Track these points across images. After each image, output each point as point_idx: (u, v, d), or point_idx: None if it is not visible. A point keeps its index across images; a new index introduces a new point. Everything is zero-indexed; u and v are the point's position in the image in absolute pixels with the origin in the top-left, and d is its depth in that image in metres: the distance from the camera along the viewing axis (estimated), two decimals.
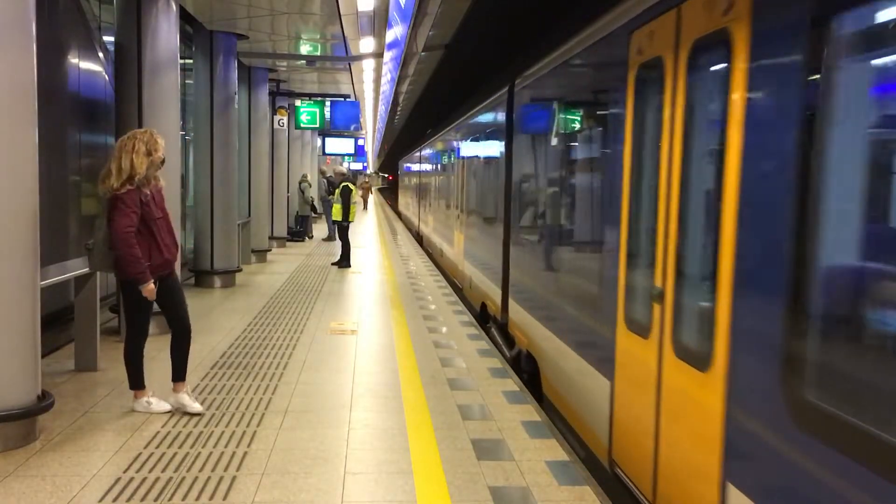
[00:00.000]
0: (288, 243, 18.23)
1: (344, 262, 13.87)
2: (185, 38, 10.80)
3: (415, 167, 27.14)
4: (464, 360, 7.04)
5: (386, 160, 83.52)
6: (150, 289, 5.06)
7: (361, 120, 25.29)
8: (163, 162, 5.30)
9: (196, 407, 5.25)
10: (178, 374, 5.35)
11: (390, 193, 69.95)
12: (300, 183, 20.18)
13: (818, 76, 2.61)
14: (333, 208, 14.48)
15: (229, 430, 4.96)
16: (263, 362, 6.74)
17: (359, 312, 9.39)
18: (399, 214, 39.71)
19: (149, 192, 5.18)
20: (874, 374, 2.37)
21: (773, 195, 2.85)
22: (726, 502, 3.07)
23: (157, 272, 5.19)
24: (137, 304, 5.27)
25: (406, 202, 35.01)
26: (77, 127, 7.85)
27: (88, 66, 8.18)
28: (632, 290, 4.30)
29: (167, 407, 5.30)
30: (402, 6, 11.04)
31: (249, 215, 14.43)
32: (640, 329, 4.07)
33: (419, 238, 22.85)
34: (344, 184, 14.34)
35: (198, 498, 3.93)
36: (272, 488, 4.06)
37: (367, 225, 27.40)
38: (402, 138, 50.71)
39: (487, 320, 9.51)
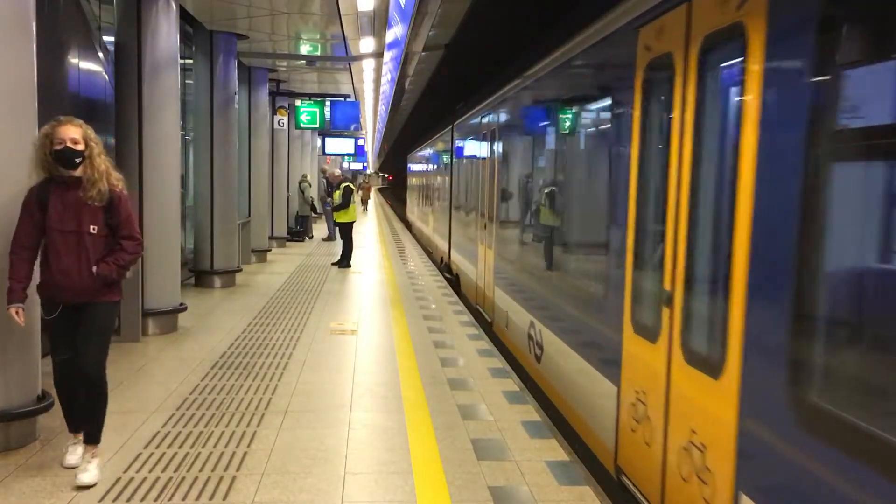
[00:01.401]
0: (288, 243, 18.23)
1: (344, 262, 13.86)
2: (185, 38, 10.79)
3: (437, 163, 18.45)
4: (464, 360, 7.04)
5: (387, 159, 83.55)
6: (10, 311, 4.10)
7: (361, 120, 25.26)
8: (59, 155, 4.10)
9: (82, 478, 4.05)
10: (86, 436, 4.26)
11: (391, 194, 69.90)
12: (300, 183, 20.18)
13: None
14: (343, 210, 14.30)
15: (229, 430, 4.96)
16: (263, 362, 6.74)
17: (359, 312, 9.39)
18: (408, 225, 29.17)
19: (49, 196, 4.14)
20: None
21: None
22: None
23: (55, 296, 4.20)
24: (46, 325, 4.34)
25: (422, 212, 23.62)
26: None
27: (88, 66, 8.16)
28: None
29: (73, 461, 4.25)
30: (402, 6, 11.05)
31: (249, 215, 14.43)
32: None
33: (448, 271, 14.44)
34: (345, 184, 14.35)
35: (198, 498, 3.94)
36: (272, 488, 4.06)
37: (368, 225, 27.39)
38: (403, 137, 50.64)
39: None
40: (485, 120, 10.31)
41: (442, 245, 16.17)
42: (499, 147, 9.20)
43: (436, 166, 18.85)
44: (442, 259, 15.92)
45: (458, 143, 13.68)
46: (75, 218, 4.14)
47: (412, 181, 30.16)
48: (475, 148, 11.36)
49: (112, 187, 4.21)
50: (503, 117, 8.97)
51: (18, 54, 4.54)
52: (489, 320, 9.43)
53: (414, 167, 28.49)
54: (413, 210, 28.55)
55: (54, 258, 4.14)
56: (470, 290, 11.45)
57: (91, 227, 4.16)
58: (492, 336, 8.46)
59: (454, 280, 13.36)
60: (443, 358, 7.06)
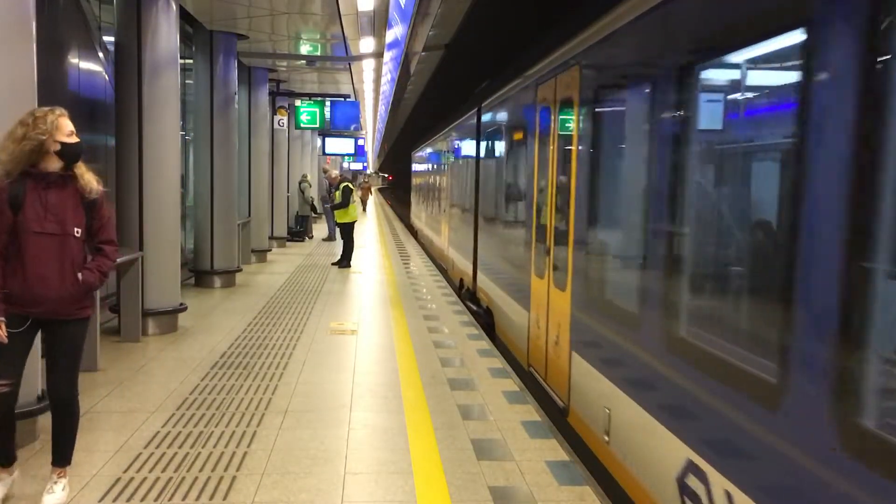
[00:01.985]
0: (288, 243, 18.24)
1: (344, 262, 13.87)
2: (185, 38, 10.80)
3: (452, 160, 14.12)
4: (464, 360, 7.03)
5: (387, 159, 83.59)
6: None
7: (361, 120, 25.25)
8: (64, 151, 3.76)
9: (47, 500, 3.80)
10: (55, 457, 3.93)
11: (391, 194, 69.87)
12: (300, 183, 20.20)
13: None
14: (344, 210, 14.31)
15: (229, 430, 4.96)
16: (263, 362, 6.74)
17: (359, 312, 9.39)
18: (414, 232, 24.74)
19: (25, 193, 3.67)
20: None
21: None
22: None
23: (24, 308, 3.69)
24: None
25: (431, 218, 18.74)
26: (77, 127, 7.80)
27: (88, 66, 8.17)
28: None
29: None
30: (402, 6, 11.07)
31: (249, 215, 14.44)
32: None
33: (474, 301, 10.43)
34: (344, 184, 14.38)
35: (198, 498, 3.93)
36: (272, 488, 4.06)
37: (368, 225, 27.40)
38: (404, 136, 50.64)
39: None
40: (552, 82, 6.17)
41: (462, 264, 11.90)
42: (587, 124, 5.28)
43: (451, 164, 14.44)
44: (462, 283, 11.79)
45: (490, 130, 9.74)
46: (58, 219, 3.72)
47: (418, 181, 25.03)
48: (525, 133, 7.35)
49: (97, 184, 3.89)
50: (611, 66, 4.96)
51: (19, 54, 4.54)
52: (561, 405, 5.67)
53: (420, 166, 23.88)
54: (419, 215, 23.39)
55: (31, 265, 3.67)
56: (516, 342, 7.54)
57: (76, 229, 3.77)
58: (565, 430, 5.36)
59: (484, 315, 9.44)
60: (443, 358, 7.06)
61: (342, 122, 17.78)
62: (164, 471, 4.27)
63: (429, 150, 20.09)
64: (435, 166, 18.25)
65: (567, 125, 5.87)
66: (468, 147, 11.68)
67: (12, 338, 3.66)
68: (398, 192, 52.55)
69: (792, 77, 2.87)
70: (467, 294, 11.04)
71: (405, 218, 32.01)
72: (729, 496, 2.99)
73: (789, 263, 2.70)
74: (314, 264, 14.47)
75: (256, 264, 14.25)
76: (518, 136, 7.82)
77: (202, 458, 4.46)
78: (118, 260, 4.27)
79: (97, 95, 8.39)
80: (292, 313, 9.16)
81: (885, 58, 2.28)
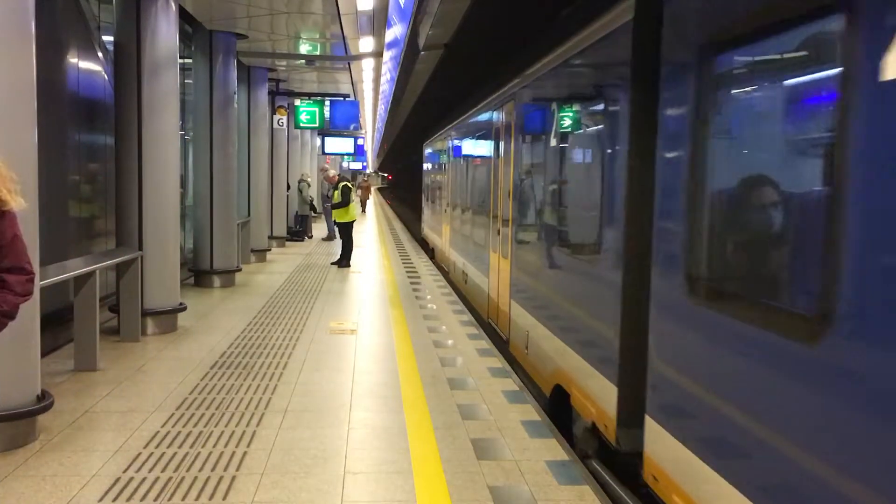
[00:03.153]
0: (287, 243, 18.24)
1: (343, 261, 13.87)
2: (185, 38, 10.80)
3: (552, 140, 6.10)
4: (464, 359, 7.04)
5: (387, 158, 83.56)
6: None
7: (361, 119, 25.25)
8: None
9: None
10: None
11: (389, 194, 69.82)
12: (299, 182, 20.20)
13: None
14: (343, 210, 14.33)
15: (229, 430, 4.96)
16: (263, 362, 6.74)
17: (358, 312, 9.39)
18: (429, 250, 18.24)
19: None
20: None
21: None
22: None
23: None
24: None
25: (464, 239, 11.92)
26: (77, 127, 7.84)
27: (88, 66, 8.17)
28: None
29: None
30: (402, 6, 11.06)
31: (249, 215, 14.44)
32: None
33: (605, 456, 4.68)
34: (343, 184, 14.38)
35: (198, 498, 3.93)
36: (272, 488, 4.07)
37: (367, 224, 27.39)
38: (404, 134, 50.51)
39: None
40: None
41: (561, 359, 5.60)
42: None
43: (517, 152, 7.62)
44: (573, 407, 5.21)
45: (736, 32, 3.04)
46: None
47: (437, 179, 17.55)
48: None
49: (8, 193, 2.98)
50: None
51: (18, 54, 4.54)
52: None
53: (439, 162, 16.88)
54: (439, 227, 16.44)
55: None
56: None
57: None
58: None
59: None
60: (442, 357, 7.06)
61: (342, 121, 17.78)
62: (163, 471, 4.27)
63: (463, 135, 12.58)
64: (475, 160, 11.39)
65: None
66: (586, 111, 5.50)
67: None
68: (399, 192, 52.42)
69: None
70: (589, 437, 4.89)
71: (408, 220, 28.62)
72: None
73: None
74: (314, 264, 14.47)
75: (256, 264, 14.25)
76: None
77: (202, 458, 4.46)
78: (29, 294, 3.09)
79: (97, 95, 8.39)
80: (292, 313, 9.15)
81: None
